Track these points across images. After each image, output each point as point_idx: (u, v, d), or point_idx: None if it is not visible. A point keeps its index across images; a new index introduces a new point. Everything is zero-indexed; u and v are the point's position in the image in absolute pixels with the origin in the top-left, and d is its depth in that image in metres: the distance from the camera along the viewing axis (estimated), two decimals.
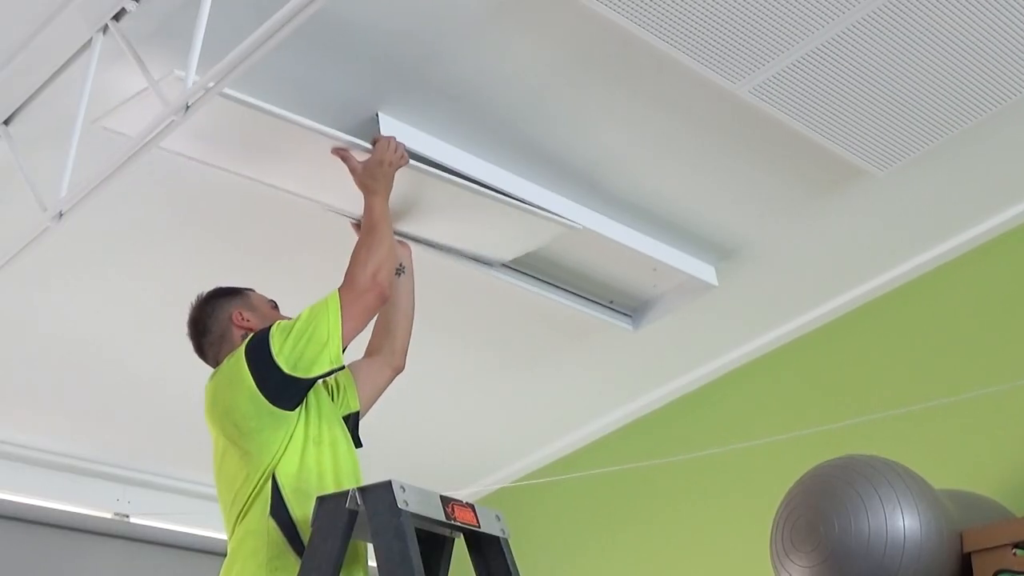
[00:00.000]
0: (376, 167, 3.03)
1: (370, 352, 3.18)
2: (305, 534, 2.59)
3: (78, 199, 2.95)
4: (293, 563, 2.58)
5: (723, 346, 4.57)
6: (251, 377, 2.66)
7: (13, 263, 3.21)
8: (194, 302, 2.99)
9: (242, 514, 2.68)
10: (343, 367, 2.74)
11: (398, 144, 3.10)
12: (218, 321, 2.92)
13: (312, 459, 2.71)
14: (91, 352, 4.25)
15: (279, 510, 2.63)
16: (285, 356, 2.64)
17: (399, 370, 3.16)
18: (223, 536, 2.79)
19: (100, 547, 4.99)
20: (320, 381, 2.82)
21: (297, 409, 2.70)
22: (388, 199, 3.00)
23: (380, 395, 3.13)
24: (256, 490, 2.66)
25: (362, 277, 2.76)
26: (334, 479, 2.72)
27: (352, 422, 2.99)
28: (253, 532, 2.64)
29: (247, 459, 2.68)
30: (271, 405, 2.66)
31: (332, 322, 2.67)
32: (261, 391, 2.65)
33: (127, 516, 5.07)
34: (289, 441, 2.68)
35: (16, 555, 4.79)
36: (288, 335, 2.66)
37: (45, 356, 4.26)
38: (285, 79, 3.07)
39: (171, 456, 5.01)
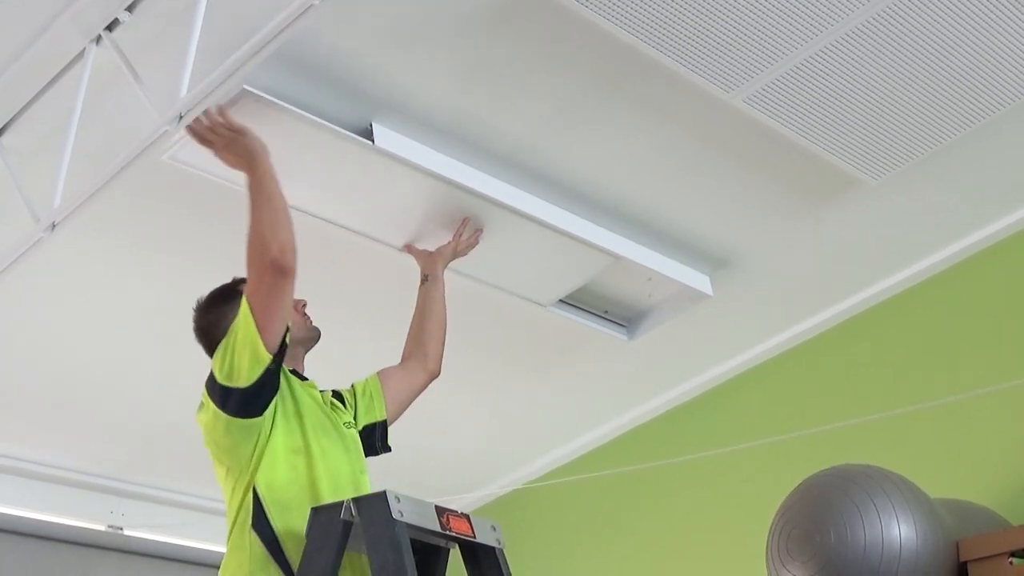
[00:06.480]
0: (207, 135, 2.76)
1: (403, 358, 3.19)
2: (288, 547, 2.57)
3: (71, 210, 2.95)
4: None
5: (718, 355, 4.57)
6: (212, 402, 2.66)
7: (6, 275, 3.20)
8: (196, 307, 2.88)
9: (231, 529, 2.67)
10: (276, 355, 2.63)
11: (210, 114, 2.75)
12: (223, 331, 2.79)
13: (300, 469, 2.68)
14: (84, 365, 4.24)
15: (260, 523, 2.61)
16: (225, 373, 2.62)
17: (434, 375, 3.19)
18: (217, 548, 2.79)
19: (94, 559, 4.98)
20: (320, 394, 2.85)
21: (264, 415, 2.66)
22: (252, 161, 2.70)
23: (412, 400, 3.14)
24: (239, 504, 2.65)
25: (250, 269, 2.66)
26: (331, 488, 2.68)
27: (379, 431, 3.01)
28: (237, 547, 2.63)
29: (230, 474, 2.69)
30: (236, 419, 2.64)
31: (248, 323, 2.61)
32: (223, 410, 2.64)
33: (121, 528, 5.06)
34: (264, 451, 2.66)
35: (9, 568, 4.77)
36: (222, 355, 2.64)
37: (38, 369, 4.25)
38: (276, 95, 3.07)
39: (165, 468, 4.99)
